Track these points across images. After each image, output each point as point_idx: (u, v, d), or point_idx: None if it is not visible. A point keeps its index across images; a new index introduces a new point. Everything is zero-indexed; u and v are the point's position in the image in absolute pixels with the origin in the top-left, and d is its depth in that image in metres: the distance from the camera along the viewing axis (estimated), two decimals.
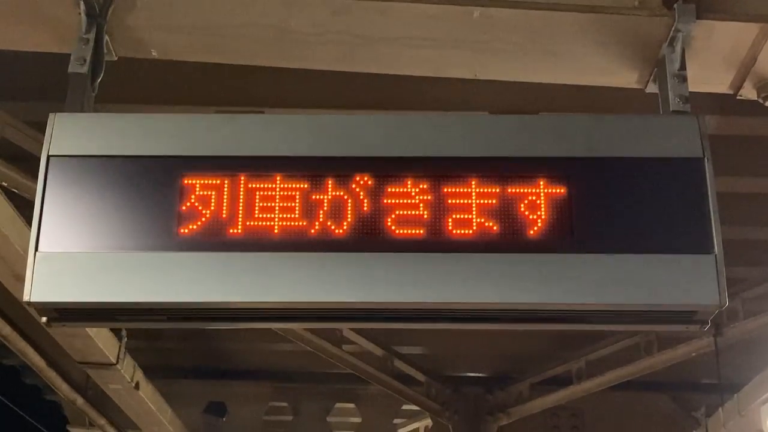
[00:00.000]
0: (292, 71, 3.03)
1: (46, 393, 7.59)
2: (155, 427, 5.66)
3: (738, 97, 2.80)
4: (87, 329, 4.43)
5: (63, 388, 5.69)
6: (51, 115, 2.30)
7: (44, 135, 2.31)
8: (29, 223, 2.42)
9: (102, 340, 4.64)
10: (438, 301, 2.11)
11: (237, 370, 7.06)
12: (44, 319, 2.28)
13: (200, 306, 2.17)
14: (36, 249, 2.13)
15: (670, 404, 6.85)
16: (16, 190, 3.92)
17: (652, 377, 6.32)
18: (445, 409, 7.07)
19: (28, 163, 3.88)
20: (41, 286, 2.13)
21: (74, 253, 2.15)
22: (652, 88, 2.69)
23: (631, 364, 5.90)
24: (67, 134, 2.30)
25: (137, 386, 5.23)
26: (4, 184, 3.90)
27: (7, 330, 4.98)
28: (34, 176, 2.32)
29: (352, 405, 7.35)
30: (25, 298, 2.14)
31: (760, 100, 2.75)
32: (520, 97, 3.43)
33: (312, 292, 2.08)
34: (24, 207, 3.88)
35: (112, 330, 4.88)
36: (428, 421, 7.30)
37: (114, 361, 4.96)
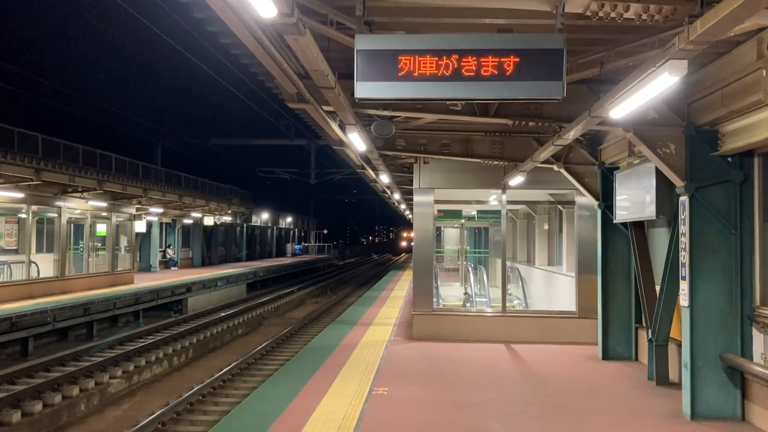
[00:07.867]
0: None
1: (268, 82, 9.47)
2: (341, 111, 8.15)
3: None
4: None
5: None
6: None
7: None
8: None
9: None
10: (478, 96, 5.10)
11: None
12: None
13: None
14: None
15: (587, 90, 9.31)
16: None
17: (578, 77, 8.18)
18: None
19: None
20: None
21: None
22: None
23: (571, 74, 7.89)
24: None
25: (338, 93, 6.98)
26: None
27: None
28: None
29: None
30: None
31: None
32: None
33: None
34: None
35: None
36: None
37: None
